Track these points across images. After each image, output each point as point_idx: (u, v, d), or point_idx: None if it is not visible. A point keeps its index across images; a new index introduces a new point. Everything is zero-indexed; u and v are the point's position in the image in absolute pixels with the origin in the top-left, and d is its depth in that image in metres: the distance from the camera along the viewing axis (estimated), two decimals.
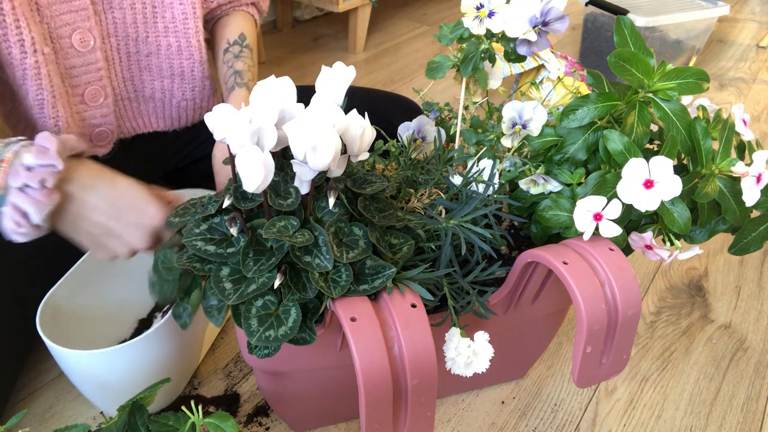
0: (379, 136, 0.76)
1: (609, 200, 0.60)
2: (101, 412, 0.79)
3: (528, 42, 0.63)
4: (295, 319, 0.55)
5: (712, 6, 1.80)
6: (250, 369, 0.89)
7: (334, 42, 2.06)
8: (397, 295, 0.57)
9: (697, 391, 0.90)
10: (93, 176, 0.67)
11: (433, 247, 0.64)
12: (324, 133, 0.52)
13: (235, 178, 0.59)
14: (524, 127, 0.69)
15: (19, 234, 0.62)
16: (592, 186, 0.64)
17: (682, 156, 0.68)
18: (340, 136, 0.55)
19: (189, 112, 0.94)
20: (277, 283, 0.55)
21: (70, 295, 0.78)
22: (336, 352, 0.66)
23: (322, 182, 0.61)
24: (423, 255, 0.65)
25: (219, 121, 0.54)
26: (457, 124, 0.74)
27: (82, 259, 0.80)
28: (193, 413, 0.60)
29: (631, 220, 0.66)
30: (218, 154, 0.84)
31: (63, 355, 0.70)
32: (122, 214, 0.67)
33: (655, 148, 0.70)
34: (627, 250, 0.69)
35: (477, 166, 0.69)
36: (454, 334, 0.62)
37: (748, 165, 0.62)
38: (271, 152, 0.54)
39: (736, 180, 0.63)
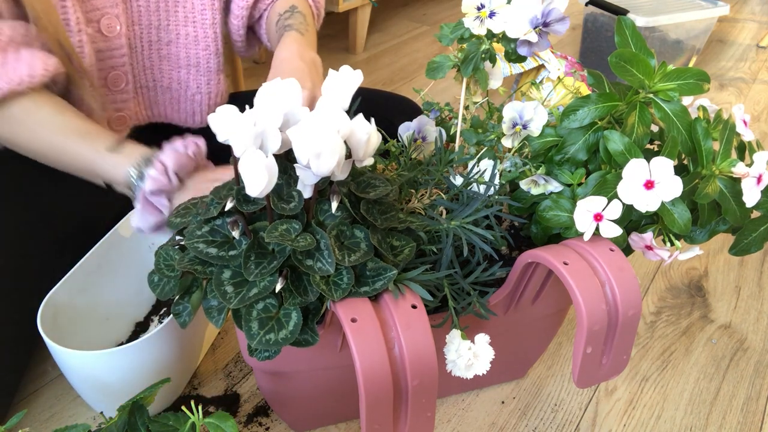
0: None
1: (609, 201, 0.60)
2: (101, 413, 0.79)
3: (529, 43, 0.63)
4: (296, 323, 0.55)
5: (712, 6, 1.80)
6: (250, 369, 0.89)
7: (334, 42, 2.06)
8: (398, 296, 0.57)
9: (697, 391, 0.90)
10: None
11: (434, 249, 0.64)
12: (328, 139, 0.52)
13: (238, 181, 0.59)
14: (525, 127, 0.69)
15: (155, 181, 0.70)
16: (592, 186, 0.64)
17: (683, 156, 0.68)
18: (345, 141, 0.55)
19: (204, 107, 0.96)
20: (278, 287, 0.55)
21: (70, 296, 0.78)
22: (336, 352, 0.66)
23: (325, 186, 0.61)
24: (424, 257, 0.65)
25: (223, 122, 0.54)
26: (457, 124, 0.74)
27: (82, 260, 0.80)
28: (193, 413, 0.60)
29: (632, 220, 0.66)
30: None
31: (65, 355, 0.70)
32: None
33: (656, 149, 0.70)
34: (627, 250, 0.69)
35: (477, 166, 0.69)
36: (454, 337, 0.62)
37: (749, 166, 0.62)
38: (274, 155, 0.54)
39: (737, 181, 0.63)
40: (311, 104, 0.74)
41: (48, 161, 0.76)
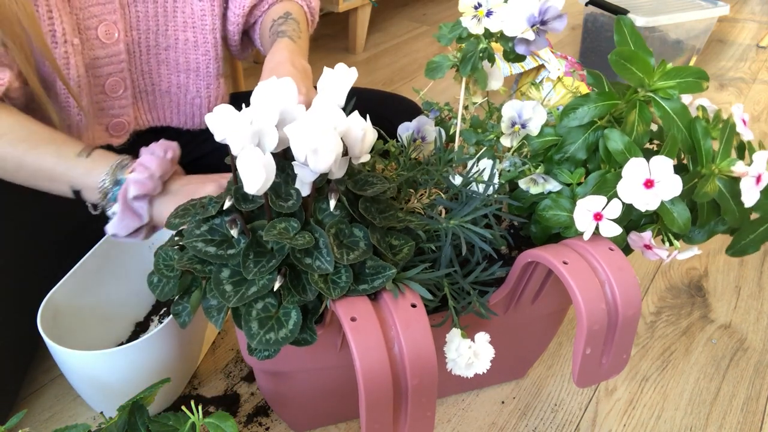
0: (379, 137, 0.76)
1: (609, 200, 0.60)
2: (101, 413, 0.79)
3: (526, 41, 0.63)
4: (296, 322, 0.55)
5: (712, 6, 1.80)
6: (250, 369, 0.89)
7: (334, 42, 2.06)
8: (398, 295, 0.57)
9: (697, 391, 0.90)
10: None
11: (434, 247, 0.64)
12: (325, 136, 0.52)
13: (236, 180, 0.59)
14: (523, 126, 0.69)
15: (139, 186, 0.69)
16: (592, 186, 0.64)
17: (682, 156, 0.68)
18: (341, 139, 0.55)
19: (203, 110, 0.96)
20: (277, 285, 0.55)
21: (71, 296, 0.78)
22: (336, 352, 0.66)
23: (323, 184, 0.61)
24: (423, 255, 0.65)
25: (220, 122, 0.54)
26: (456, 124, 0.74)
27: (82, 260, 0.80)
28: (193, 413, 0.60)
29: (631, 219, 0.66)
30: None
31: (65, 355, 0.70)
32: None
33: (655, 148, 0.70)
34: (627, 249, 0.69)
35: (477, 166, 0.69)
36: (455, 336, 0.62)
37: (748, 165, 0.62)
38: (272, 153, 0.54)
39: (736, 180, 0.63)
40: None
41: (6, 174, 0.73)
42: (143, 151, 0.72)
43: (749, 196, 0.61)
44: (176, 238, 0.64)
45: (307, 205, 0.59)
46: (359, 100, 0.73)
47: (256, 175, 0.51)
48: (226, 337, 0.94)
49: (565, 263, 0.59)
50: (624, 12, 1.70)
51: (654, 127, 0.68)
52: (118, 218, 0.71)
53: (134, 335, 0.88)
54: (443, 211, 0.68)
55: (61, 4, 0.73)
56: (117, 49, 0.82)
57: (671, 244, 0.67)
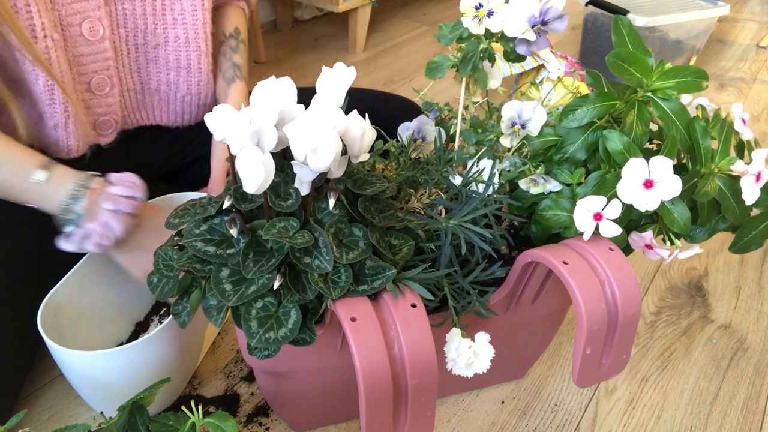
0: (379, 137, 0.76)
1: (609, 200, 0.60)
2: (101, 413, 0.79)
3: (527, 41, 0.63)
4: (295, 321, 0.55)
5: (712, 6, 1.80)
6: (250, 369, 0.89)
7: (334, 42, 2.06)
8: (398, 295, 0.57)
9: (697, 391, 0.90)
10: (154, 209, 0.82)
11: (433, 247, 0.64)
12: (324, 134, 0.52)
13: (235, 179, 0.59)
14: (523, 126, 0.69)
15: (97, 245, 0.74)
16: (592, 186, 0.64)
17: (682, 155, 0.68)
18: (340, 138, 0.55)
19: (193, 107, 0.95)
20: (276, 285, 0.55)
21: (71, 296, 0.78)
22: (336, 352, 0.66)
23: (322, 183, 0.61)
24: (423, 255, 0.65)
25: (219, 121, 0.54)
26: (456, 124, 0.74)
27: (82, 260, 0.80)
28: (193, 413, 0.60)
29: (631, 219, 0.66)
30: (217, 151, 0.85)
31: (64, 355, 0.70)
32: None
33: (655, 148, 0.70)
34: (627, 249, 0.69)
35: (477, 166, 0.69)
36: (455, 335, 0.62)
37: (748, 164, 0.62)
38: (271, 153, 0.54)
39: (736, 179, 0.63)
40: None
41: None
42: (104, 204, 0.74)
43: (750, 194, 0.61)
44: (176, 238, 0.64)
45: (306, 205, 0.59)
46: (359, 100, 0.73)
47: (255, 174, 0.51)
48: (226, 337, 0.94)
49: (565, 263, 0.59)
50: (624, 12, 1.70)
51: (654, 127, 0.68)
52: (79, 235, 0.74)
53: (134, 335, 0.88)
54: (443, 211, 0.68)
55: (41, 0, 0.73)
56: (102, 46, 0.81)
57: (672, 243, 0.67)
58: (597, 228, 0.61)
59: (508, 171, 0.69)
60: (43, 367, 0.87)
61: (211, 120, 0.55)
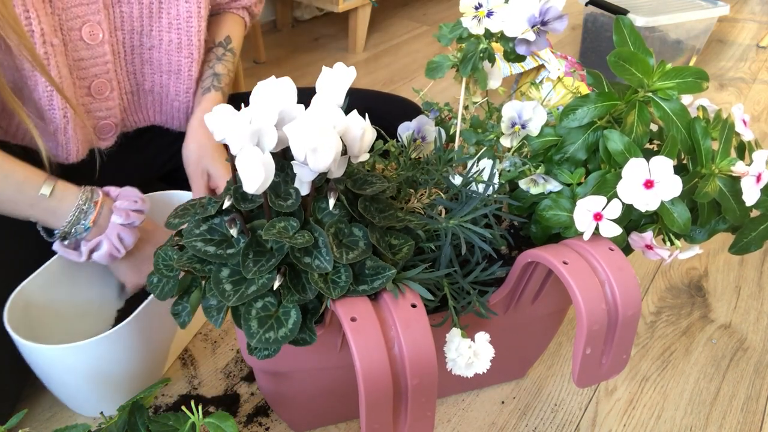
0: (379, 137, 0.76)
1: (609, 200, 0.60)
2: (101, 412, 0.79)
3: (527, 41, 0.63)
4: (295, 321, 0.55)
5: (712, 6, 1.80)
6: (250, 369, 0.89)
7: (334, 42, 2.06)
8: (398, 295, 0.57)
9: (697, 391, 0.90)
10: (152, 222, 0.86)
11: (433, 247, 0.64)
12: (324, 134, 0.52)
13: (235, 179, 0.59)
14: (523, 126, 0.69)
15: (105, 257, 0.78)
16: (592, 186, 0.64)
17: (682, 156, 0.68)
18: (340, 138, 0.55)
19: (182, 114, 0.95)
20: (276, 285, 0.55)
21: (44, 290, 0.78)
22: (336, 352, 0.66)
23: (322, 183, 0.61)
24: (423, 255, 0.65)
25: (218, 121, 0.54)
26: (456, 124, 0.74)
27: (54, 257, 0.80)
28: (193, 413, 0.60)
29: (631, 219, 0.66)
30: (191, 155, 0.88)
31: (28, 349, 0.70)
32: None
33: (655, 148, 0.70)
34: (627, 250, 0.69)
35: (477, 166, 0.69)
36: (455, 335, 0.62)
37: (748, 165, 0.62)
38: (271, 153, 0.54)
39: (736, 180, 0.63)
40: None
41: None
42: (111, 230, 0.77)
43: (750, 195, 0.61)
44: (176, 238, 0.64)
45: (306, 205, 0.59)
46: (359, 100, 0.73)
47: (255, 174, 0.51)
48: (226, 337, 0.94)
49: (565, 263, 0.59)
50: (624, 12, 1.70)
51: (654, 128, 0.68)
52: (80, 253, 0.78)
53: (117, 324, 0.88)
54: (443, 211, 0.68)
55: (40, 4, 0.72)
56: (102, 50, 0.81)
57: (672, 243, 0.67)
58: (597, 228, 0.60)
59: (508, 171, 0.69)
60: None
61: (210, 120, 0.55)
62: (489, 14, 0.63)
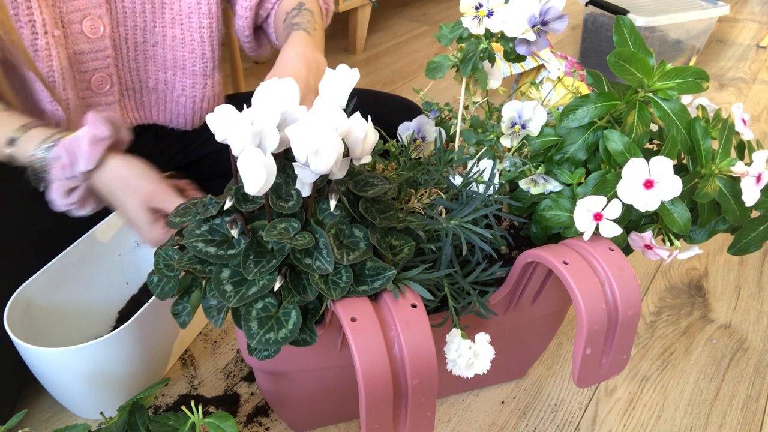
0: (379, 137, 0.76)
1: (609, 200, 0.60)
2: (101, 412, 0.79)
3: (527, 41, 0.63)
4: (296, 322, 0.55)
5: (712, 6, 1.80)
6: (250, 369, 0.89)
7: (334, 42, 2.06)
8: (398, 296, 0.57)
9: (697, 391, 0.90)
10: (119, 158, 0.74)
11: (434, 248, 0.64)
12: (326, 137, 0.52)
13: (236, 180, 0.59)
14: (523, 127, 0.69)
15: (64, 184, 0.71)
16: (592, 186, 0.64)
17: (682, 156, 0.68)
18: (342, 139, 0.55)
19: (188, 110, 0.95)
20: (277, 286, 0.55)
21: (45, 291, 0.78)
22: (336, 352, 0.66)
23: (323, 184, 0.61)
24: (423, 256, 0.65)
25: (220, 122, 0.54)
26: (457, 124, 0.74)
27: (58, 257, 0.80)
28: (193, 413, 0.60)
29: (631, 220, 0.66)
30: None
31: (28, 352, 0.70)
32: (125, 185, 0.73)
33: (655, 148, 0.70)
34: (627, 250, 0.69)
35: (477, 166, 0.69)
36: (455, 336, 0.62)
37: (748, 165, 0.62)
38: (273, 153, 0.54)
39: (736, 180, 0.63)
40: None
41: None
42: (74, 138, 0.71)
43: (750, 196, 0.61)
44: (176, 238, 0.64)
45: (307, 206, 0.59)
46: (359, 101, 0.73)
47: (256, 176, 0.51)
48: (226, 337, 0.94)
49: (565, 263, 0.59)
50: (624, 12, 1.70)
51: (654, 128, 0.68)
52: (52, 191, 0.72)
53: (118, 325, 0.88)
54: (443, 212, 0.68)
55: None
56: (103, 44, 0.81)
57: (672, 243, 0.67)
58: (597, 228, 0.61)
59: (509, 171, 0.69)
60: None
61: (212, 120, 0.55)
62: (489, 14, 0.63)
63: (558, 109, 0.72)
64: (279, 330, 0.55)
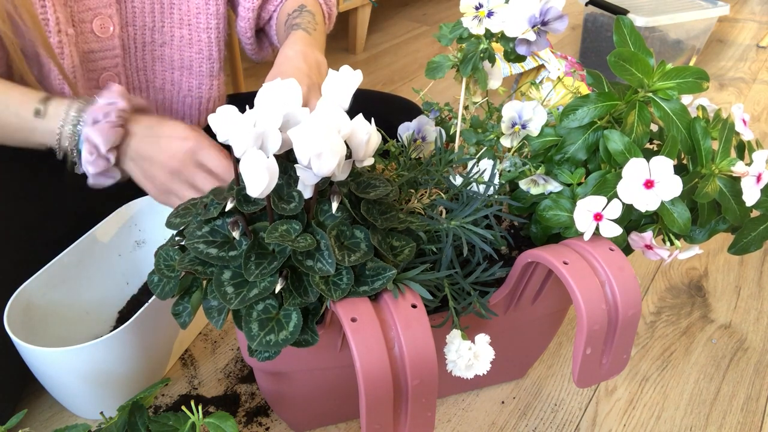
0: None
1: (609, 200, 0.60)
2: (101, 412, 0.79)
3: (527, 42, 0.63)
4: (296, 324, 0.55)
5: (712, 6, 1.80)
6: (250, 369, 0.89)
7: (334, 42, 2.06)
8: (398, 296, 0.57)
9: (697, 391, 0.90)
10: (148, 117, 0.75)
11: (434, 249, 0.64)
12: (329, 139, 0.52)
13: (238, 181, 0.59)
14: (524, 127, 0.69)
15: (92, 165, 0.71)
16: (592, 186, 0.64)
17: (682, 156, 0.68)
18: (345, 142, 0.55)
19: (193, 111, 0.95)
20: (278, 288, 0.55)
21: (45, 291, 0.78)
22: (336, 352, 0.66)
23: (325, 186, 0.61)
24: (424, 256, 0.65)
25: (223, 123, 0.54)
26: (457, 124, 0.74)
27: (59, 256, 0.80)
28: (193, 413, 0.60)
29: (631, 220, 0.66)
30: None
31: (27, 352, 0.70)
32: (159, 134, 0.73)
33: (655, 148, 0.70)
34: (627, 250, 0.69)
35: (477, 166, 0.69)
36: (455, 337, 0.62)
37: (748, 165, 0.62)
38: (275, 155, 0.54)
39: (736, 180, 0.63)
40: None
41: None
42: (90, 112, 0.70)
43: (750, 195, 0.61)
44: (177, 239, 0.64)
45: (309, 208, 0.59)
46: (358, 101, 0.73)
47: (258, 178, 0.51)
48: (226, 337, 0.94)
49: (565, 263, 0.59)
50: (624, 12, 1.70)
51: (654, 128, 0.68)
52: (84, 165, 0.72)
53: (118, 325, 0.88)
54: (444, 212, 0.68)
55: None
56: (112, 43, 0.82)
57: (672, 243, 0.67)
58: (597, 228, 0.61)
59: (509, 171, 0.69)
60: None
61: (214, 121, 0.55)
62: (489, 14, 0.63)
63: (558, 109, 0.72)
64: (280, 332, 0.55)
